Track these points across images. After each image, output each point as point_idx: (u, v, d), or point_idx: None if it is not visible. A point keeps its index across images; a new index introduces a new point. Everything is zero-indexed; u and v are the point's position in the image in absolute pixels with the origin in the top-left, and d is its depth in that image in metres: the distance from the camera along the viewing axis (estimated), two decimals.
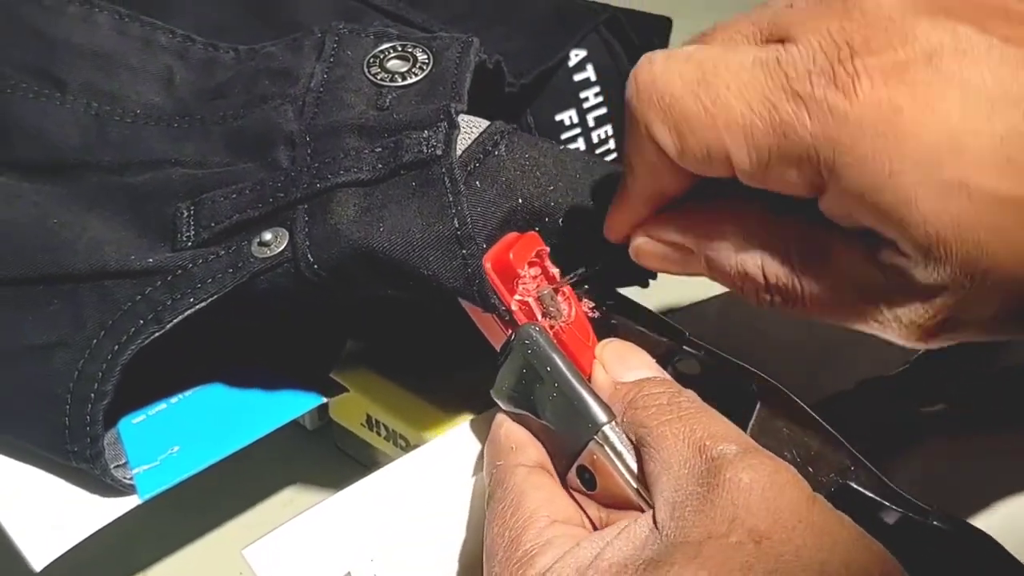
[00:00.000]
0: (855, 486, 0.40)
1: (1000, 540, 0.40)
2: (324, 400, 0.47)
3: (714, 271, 0.40)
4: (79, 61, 0.51)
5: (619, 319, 0.44)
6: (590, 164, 0.47)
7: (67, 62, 0.51)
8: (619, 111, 0.57)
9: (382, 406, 0.49)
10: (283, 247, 0.43)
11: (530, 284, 0.42)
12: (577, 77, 0.57)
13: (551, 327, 0.41)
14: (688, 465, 0.35)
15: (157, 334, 0.42)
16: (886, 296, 0.36)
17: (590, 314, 0.44)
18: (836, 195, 0.35)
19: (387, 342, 0.51)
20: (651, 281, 0.48)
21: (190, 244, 0.45)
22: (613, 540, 0.35)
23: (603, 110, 0.58)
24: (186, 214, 0.45)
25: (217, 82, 0.51)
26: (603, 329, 0.44)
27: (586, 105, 0.58)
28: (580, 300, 0.43)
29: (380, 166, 0.43)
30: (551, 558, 0.35)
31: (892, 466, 0.49)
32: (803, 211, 0.37)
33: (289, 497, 0.52)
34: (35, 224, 0.46)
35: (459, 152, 0.44)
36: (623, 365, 0.41)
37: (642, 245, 0.41)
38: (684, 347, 0.43)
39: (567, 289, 0.43)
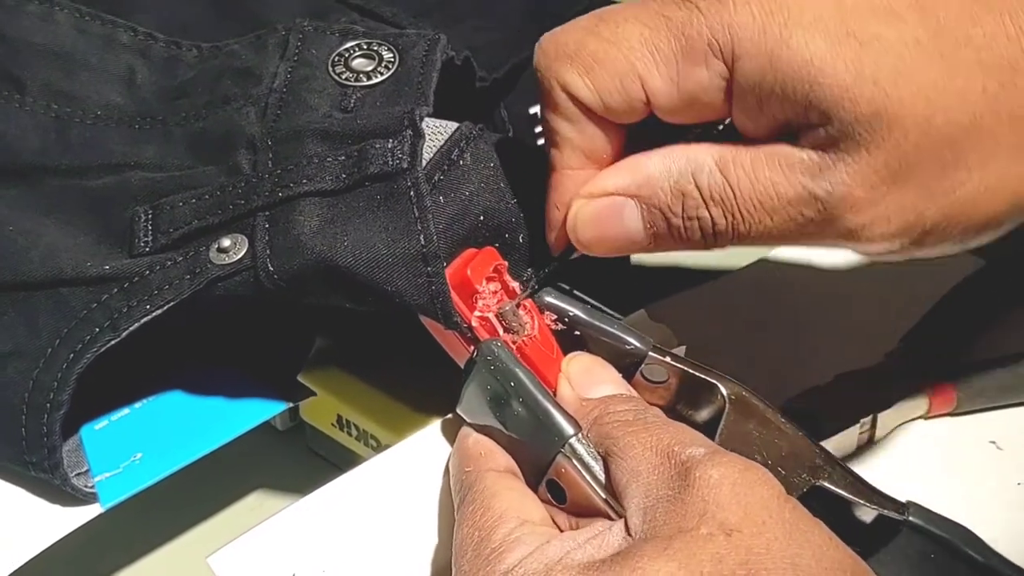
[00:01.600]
0: (828, 485, 0.40)
1: (980, 534, 0.40)
2: (290, 405, 0.47)
3: (652, 208, 0.39)
4: (39, 61, 0.50)
5: (584, 330, 0.43)
6: None
7: (27, 62, 0.50)
8: None
9: (352, 406, 0.49)
10: (242, 254, 0.42)
11: (490, 299, 0.42)
12: None
13: (514, 342, 0.41)
14: (657, 471, 0.35)
15: (113, 342, 0.42)
16: (811, 174, 0.37)
17: (554, 327, 0.43)
18: (744, 87, 0.37)
19: (356, 340, 0.50)
20: (623, 282, 0.47)
21: (148, 250, 0.44)
22: (584, 543, 0.35)
23: None
24: (144, 219, 0.45)
25: (179, 81, 0.50)
26: (568, 341, 0.43)
27: None
28: (543, 313, 0.43)
29: (344, 176, 0.43)
30: (520, 555, 0.35)
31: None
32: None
33: (258, 501, 0.51)
34: None
35: (425, 160, 0.43)
36: (589, 380, 0.41)
37: (579, 211, 0.41)
38: (651, 354, 0.42)
39: (529, 303, 0.43)
